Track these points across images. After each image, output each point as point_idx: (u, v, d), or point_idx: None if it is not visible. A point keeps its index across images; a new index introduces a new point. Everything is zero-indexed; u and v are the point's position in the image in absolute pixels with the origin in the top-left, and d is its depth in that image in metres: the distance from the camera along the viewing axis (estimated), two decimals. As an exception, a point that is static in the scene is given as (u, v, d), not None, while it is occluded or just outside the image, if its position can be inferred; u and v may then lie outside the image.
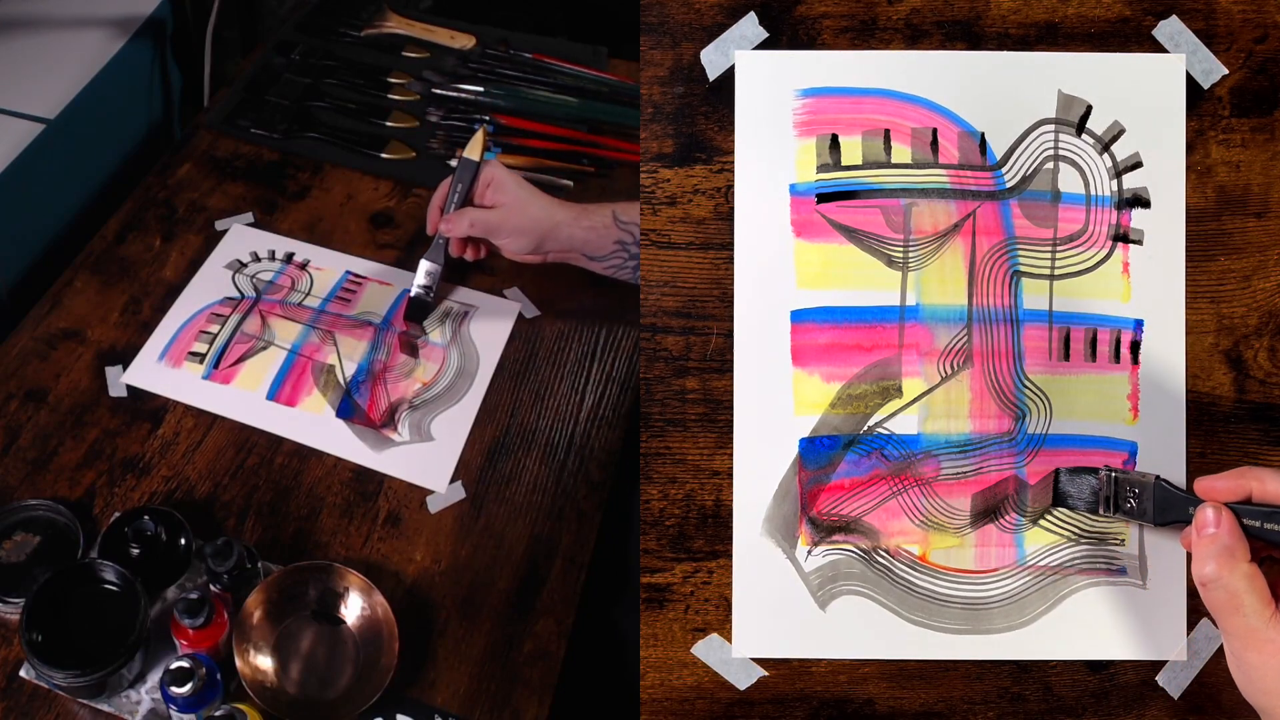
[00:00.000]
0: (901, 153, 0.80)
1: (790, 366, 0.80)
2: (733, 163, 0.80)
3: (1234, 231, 0.80)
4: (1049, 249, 0.80)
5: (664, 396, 0.80)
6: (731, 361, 0.80)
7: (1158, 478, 0.75)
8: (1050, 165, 0.80)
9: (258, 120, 1.43)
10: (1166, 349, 0.80)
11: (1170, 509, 0.74)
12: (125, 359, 1.16)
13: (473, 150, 1.20)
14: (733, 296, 0.80)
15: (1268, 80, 0.80)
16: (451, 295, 1.27)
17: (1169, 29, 0.79)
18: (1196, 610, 0.80)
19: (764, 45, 0.79)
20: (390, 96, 1.50)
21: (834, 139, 0.80)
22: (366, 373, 1.17)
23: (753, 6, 0.79)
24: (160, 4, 1.51)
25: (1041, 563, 0.80)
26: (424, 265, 1.23)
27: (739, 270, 0.80)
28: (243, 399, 1.14)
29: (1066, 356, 0.80)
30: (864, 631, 0.80)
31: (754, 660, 0.80)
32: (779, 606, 0.80)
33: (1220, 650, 0.80)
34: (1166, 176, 0.80)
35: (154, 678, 0.92)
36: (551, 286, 1.29)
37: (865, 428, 0.80)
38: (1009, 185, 0.80)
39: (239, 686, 0.91)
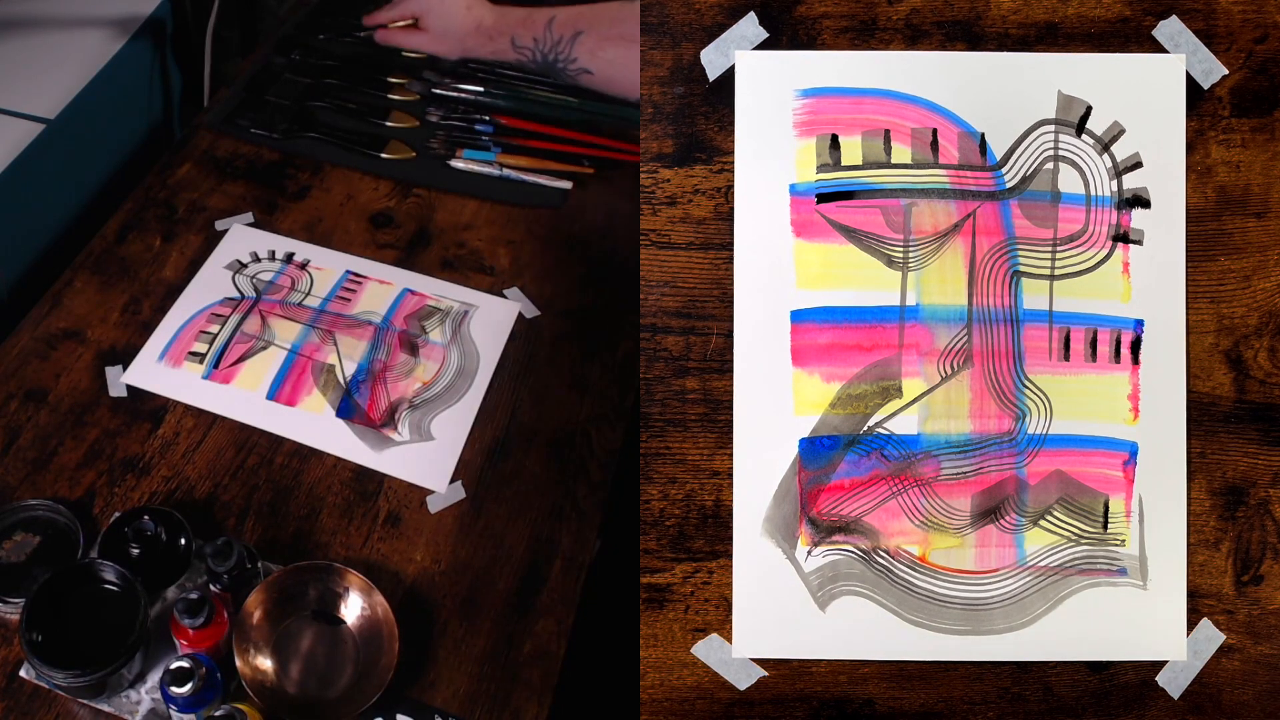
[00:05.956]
0: (901, 153, 0.80)
1: (790, 366, 0.80)
2: (733, 163, 0.80)
3: (1234, 231, 0.80)
4: (1049, 249, 0.80)
5: (664, 396, 0.80)
6: (731, 361, 0.80)
7: None
8: (1050, 165, 0.80)
9: (258, 120, 1.43)
10: (1166, 349, 0.80)
11: None
12: (125, 359, 1.16)
13: None
14: (733, 296, 0.80)
15: (1268, 80, 0.80)
16: (451, 295, 1.27)
17: (1169, 29, 0.79)
18: (1196, 610, 0.80)
19: (764, 45, 0.79)
20: (390, 96, 1.49)
21: (834, 139, 0.80)
22: (366, 372, 1.17)
23: (753, 6, 0.79)
24: (160, 4, 1.51)
25: (1042, 563, 0.80)
26: None
27: (739, 270, 0.80)
28: (243, 399, 1.14)
29: (1067, 356, 0.80)
30: (864, 632, 0.80)
31: (754, 660, 0.80)
32: (779, 607, 0.80)
33: (1220, 650, 0.81)
34: (1166, 176, 0.80)
35: (154, 678, 0.92)
36: (551, 286, 1.29)
37: (865, 428, 0.80)
38: (1009, 185, 0.80)
39: (239, 686, 0.91)
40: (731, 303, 0.80)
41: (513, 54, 1.40)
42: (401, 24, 1.49)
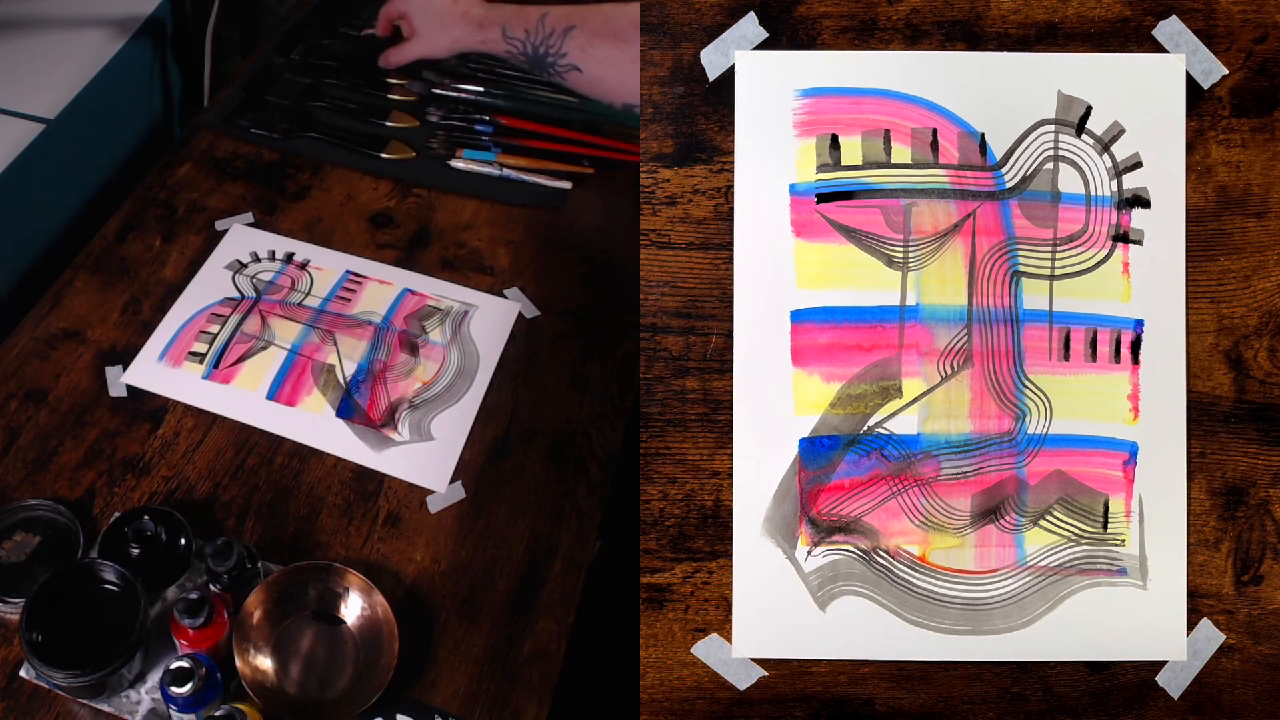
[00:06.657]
0: (901, 153, 0.80)
1: (790, 366, 0.80)
2: (733, 163, 0.80)
3: (1234, 231, 0.80)
4: (1049, 249, 0.80)
5: (664, 396, 0.80)
6: (731, 361, 0.80)
7: None
8: (1050, 165, 0.80)
9: (258, 120, 1.43)
10: (1166, 349, 0.80)
11: None
12: (125, 359, 1.16)
13: None
14: (733, 296, 0.80)
15: (1268, 80, 0.80)
16: (451, 295, 1.27)
17: (1169, 29, 0.79)
18: (1196, 610, 0.80)
19: (764, 45, 0.79)
20: (390, 96, 1.49)
21: (834, 139, 0.80)
22: (366, 372, 1.17)
23: (753, 6, 0.79)
24: (160, 4, 1.51)
25: (1042, 563, 0.80)
26: None
27: (739, 270, 0.80)
28: (243, 399, 1.14)
29: (1067, 356, 0.80)
30: (864, 632, 0.80)
31: (754, 660, 0.80)
32: (779, 606, 0.80)
33: (1220, 650, 0.81)
34: (1166, 176, 0.80)
35: (154, 678, 0.92)
36: (551, 286, 1.29)
37: (865, 428, 0.80)
38: (1009, 185, 0.80)
39: (239, 686, 0.91)
40: (731, 303, 0.80)
41: (503, 45, 1.39)
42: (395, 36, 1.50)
